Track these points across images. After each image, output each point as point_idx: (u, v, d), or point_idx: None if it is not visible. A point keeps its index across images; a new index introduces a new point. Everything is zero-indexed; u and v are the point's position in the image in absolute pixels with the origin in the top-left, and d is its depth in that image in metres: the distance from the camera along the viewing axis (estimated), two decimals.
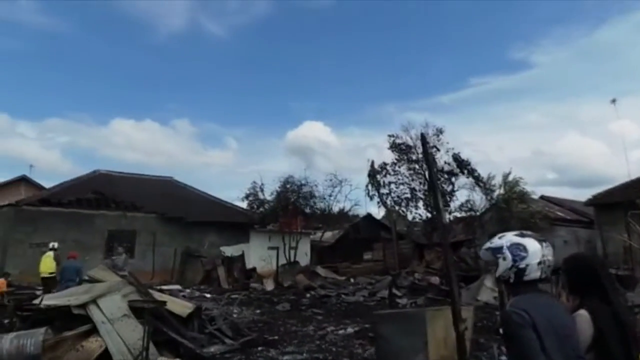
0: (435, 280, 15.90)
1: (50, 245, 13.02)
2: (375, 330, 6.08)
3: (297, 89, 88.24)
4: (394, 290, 13.90)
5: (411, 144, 21.75)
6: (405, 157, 22.06)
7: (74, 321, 6.58)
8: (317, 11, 79.86)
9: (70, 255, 11.40)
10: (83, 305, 6.54)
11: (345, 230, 27.62)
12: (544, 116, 74.74)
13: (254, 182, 23.36)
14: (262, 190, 23.27)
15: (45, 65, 79.63)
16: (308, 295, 15.33)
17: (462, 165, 21.34)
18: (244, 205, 24.01)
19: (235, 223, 22.44)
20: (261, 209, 23.21)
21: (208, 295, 14.63)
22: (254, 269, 20.27)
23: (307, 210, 23.60)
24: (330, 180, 24.27)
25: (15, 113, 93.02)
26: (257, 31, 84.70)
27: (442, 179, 20.78)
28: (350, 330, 9.08)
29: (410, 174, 22.02)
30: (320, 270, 19.99)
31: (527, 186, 21.37)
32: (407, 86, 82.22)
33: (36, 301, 7.13)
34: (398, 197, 22.38)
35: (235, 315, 10.43)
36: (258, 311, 11.75)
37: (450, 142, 21.62)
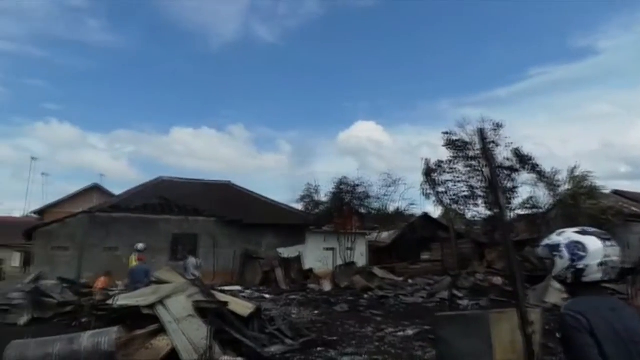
0: (498, 280, 15.31)
1: (136, 246, 13.20)
2: (435, 333, 5.94)
3: (349, 89, 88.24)
4: (455, 292, 13.53)
5: (467, 140, 21.13)
6: (462, 154, 21.44)
7: (144, 320, 6.95)
8: (365, 10, 79.45)
9: (138, 258, 12.01)
10: (151, 306, 6.89)
11: (401, 230, 27.22)
12: (612, 105, 70.07)
13: (309, 183, 23.66)
14: (316, 192, 23.50)
15: (111, 81, 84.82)
16: (366, 296, 15.26)
17: (524, 160, 20.45)
18: (299, 207, 24.34)
19: (292, 225, 22.76)
20: (316, 211, 23.42)
21: (267, 296, 14.93)
22: (310, 270, 20.46)
23: (362, 211, 23.51)
24: (385, 179, 24.05)
25: (86, 126, 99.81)
26: (306, 33, 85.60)
27: (503, 175, 20.00)
28: (409, 332, 8.93)
29: (467, 171, 21.39)
30: (377, 271, 19.83)
31: (597, 181, 20.11)
32: (461, 81, 79.89)
33: (110, 301, 7.59)
34: (455, 195, 21.81)
35: (294, 316, 10.57)
36: (316, 312, 11.84)
37: (510, 136, 20.78)
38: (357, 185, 23.07)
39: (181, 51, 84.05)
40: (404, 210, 26.42)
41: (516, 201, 20.52)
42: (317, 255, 22.32)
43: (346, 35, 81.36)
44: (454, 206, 22.18)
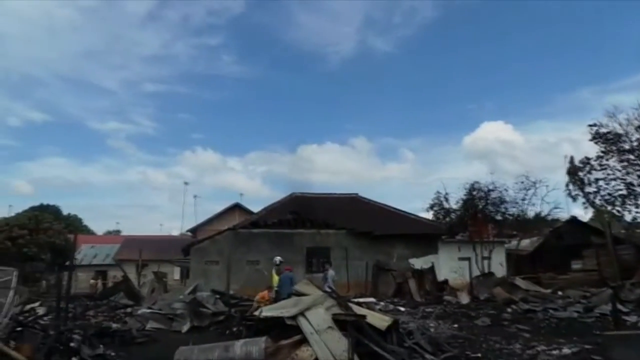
0: None
1: (274, 260, 14.94)
2: (605, 354, 5.23)
3: (471, 91, 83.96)
4: (618, 306, 11.81)
5: (620, 131, 18.53)
6: (615, 148, 18.85)
7: (288, 331, 7.34)
8: (484, 7, 75.13)
9: (286, 268, 13.65)
10: (294, 317, 7.25)
11: (545, 237, 24.75)
12: None
13: (438, 191, 22.84)
14: (446, 200, 22.60)
15: (244, 108, 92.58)
16: (509, 309, 14.12)
17: None
18: (429, 216, 23.66)
19: (422, 234, 22.22)
20: (447, 219, 22.52)
21: (402, 309, 14.68)
22: (445, 281, 19.67)
23: (498, 217, 21.96)
24: (522, 182, 22.09)
25: (225, 151, 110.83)
26: (422, 39, 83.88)
27: None
28: (566, 350, 8.01)
29: (623, 167, 18.70)
30: (519, 281, 18.24)
31: None
32: (604, 66, 70.68)
33: (256, 312, 8.18)
34: (610, 195, 19.21)
35: (432, 330, 10.22)
36: (455, 325, 11.30)
37: None
38: (491, 190, 21.68)
39: (303, 73, 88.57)
40: (547, 214, 23.99)
41: None
42: (451, 265, 21.42)
43: (463, 36, 77.92)
44: (609, 207, 19.52)
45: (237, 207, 37.28)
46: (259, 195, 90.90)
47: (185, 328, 11.17)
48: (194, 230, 36.50)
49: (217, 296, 14.13)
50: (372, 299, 16.07)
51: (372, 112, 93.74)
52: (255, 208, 30.08)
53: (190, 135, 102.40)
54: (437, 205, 22.79)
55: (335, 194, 27.22)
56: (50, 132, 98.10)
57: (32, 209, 43.82)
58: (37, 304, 15.50)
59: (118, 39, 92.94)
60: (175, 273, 33.99)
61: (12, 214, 39.57)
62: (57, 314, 11.15)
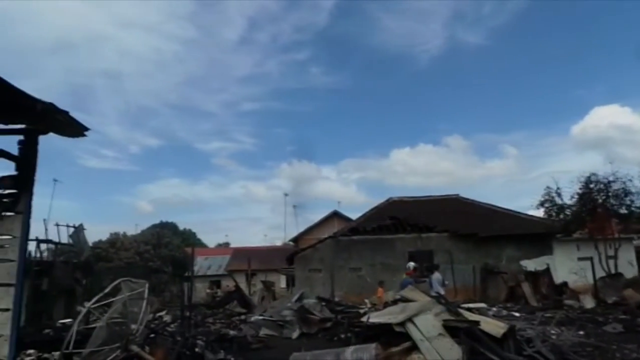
0: None
1: (407, 266, 15.18)
2: None
3: (578, 76, 76.56)
4: None
5: None
6: None
7: (396, 338, 7.26)
8: None
9: (406, 273, 14.30)
10: (402, 324, 7.16)
11: None
12: None
13: (548, 187, 21.02)
14: (559, 195, 20.74)
15: (334, 117, 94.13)
16: None
17: None
18: (539, 213, 21.91)
19: (534, 234, 20.65)
20: (561, 216, 20.65)
21: (516, 314, 13.75)
22: (564, 284, 18.03)
23: (623, 211, 19.65)
24: None
25: (319, 161, 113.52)
26: (516, 27, 78.59)
27: None
28: None
29: None
30: None
31: None
32: None
33: (364, 319, 8.21)
34: None
35: (554, 337, 9.43)
36: (581, 332, 10.30)
37: None
38: (612, 182, 19.47)
39: (391, 76, 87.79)
40: None
41: None
42: (569, 266, 19.65)
43: (562, 18, 71.52)
44: None
45: (335, 215, 37.84)
46: (355, 202, 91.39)
47: (295, 334, 11.54)
48: (295, 240, 37.73)
49: (323, 303, 14.41)
50: (482, 305, 15.28)
51: (466, 108, 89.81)
52: (353, 215, 30.28)
53: (286, 148, 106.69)
54: (549, 202, 20.97)
55: (434, 196, 26.43)
56: (165, 156, 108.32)
57: (154, 226, 48.59)
58: (163, 312, 17.11)
59: (215, 64, 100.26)
60: (282, 281, 35.38)
61: (138, 232, 44.33)
62: (181, 322, 12.22)
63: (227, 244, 61.45)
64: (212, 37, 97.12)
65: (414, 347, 6.83)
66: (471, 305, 12.66)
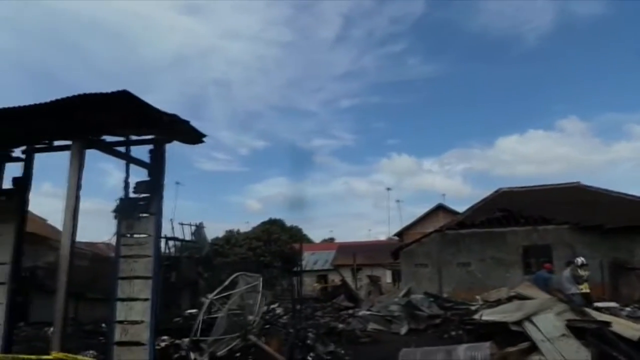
0: None
1: (575, 261, 12.83)
2: None
3: None
4: None
5: None
6: None
7: (512, 337, 6.86)
8: None
9: (544, 266, 13.93)
10: (519, 322, 6.74)
11: None
12: None
13: None
14: None
15: (434, 107, 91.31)
16: None
17: None
18: None
19: None
20: None
21: None
22: None
23: None
24: None
25: (420, 154, 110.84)
26: None
27: None
28: None
29: None
30: None
31: None
32: None
33: (476, 316, 7.88)
34: None
35: None
36: None
37: None
38: None
39: (495, 60, 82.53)
40: None
41: None
42: None
43: None
44: None
45: (440, 208, 36.73)
46: (461, 194, 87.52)
47: (403, 330, 11.46)
48: (400, 234, 37.33)
49: (431, 299, 14.11)
50: (614, 304, 13.74)
51: (583, 87, 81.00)
52: (459, 208, 29.07)
53: (386, 142, 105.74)
54: None
55: (550, 185, 24.30)
56: (271, 156, 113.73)
57: (263, 223, 51.17)
58: (275, 305, 18.05)
59: (313, 64, 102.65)
60: (387, 276, 35.25)
61: (250, 229, 47.19)
62: (293, 314, 12.81)
63: (332, 239, 62.79)
64: (309, 39, 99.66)
65: (533, 348, 6.40)
66: (600, 304, 11.49)
